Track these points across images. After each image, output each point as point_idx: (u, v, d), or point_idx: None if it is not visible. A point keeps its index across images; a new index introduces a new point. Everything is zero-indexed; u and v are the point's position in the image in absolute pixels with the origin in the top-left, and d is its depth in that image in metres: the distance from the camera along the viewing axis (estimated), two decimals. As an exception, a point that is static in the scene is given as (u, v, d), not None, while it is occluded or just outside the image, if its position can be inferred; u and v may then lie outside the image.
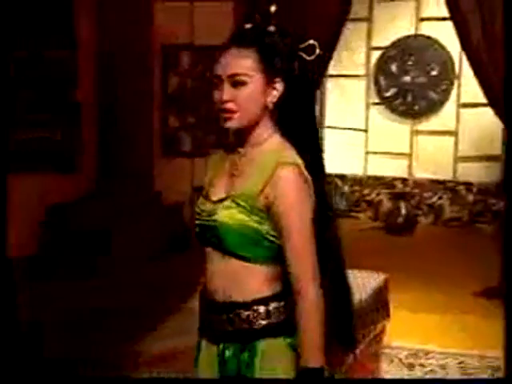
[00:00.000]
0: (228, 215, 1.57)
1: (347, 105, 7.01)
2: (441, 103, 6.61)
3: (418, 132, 6.85)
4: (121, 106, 5.48)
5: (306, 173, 1.56)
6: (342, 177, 7.06)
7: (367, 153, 7.04)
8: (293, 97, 1.60)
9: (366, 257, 4.87)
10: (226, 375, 1.62)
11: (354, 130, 7.02)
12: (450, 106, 6.62)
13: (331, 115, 7.04)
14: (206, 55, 5.07)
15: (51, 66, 5.20)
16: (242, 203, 1.56)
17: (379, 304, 3.36)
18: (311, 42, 1.64)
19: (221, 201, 1.60)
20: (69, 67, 5.30)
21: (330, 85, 6.99)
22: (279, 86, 1.58)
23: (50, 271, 4.67)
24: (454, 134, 6.67)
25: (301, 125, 1.64)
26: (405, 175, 6.90)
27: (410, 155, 6.87)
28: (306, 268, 1.54)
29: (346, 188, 7.04)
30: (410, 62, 6.65)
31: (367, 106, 6.96)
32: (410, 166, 6.89)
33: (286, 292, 1.57)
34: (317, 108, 5.65)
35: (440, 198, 6.71)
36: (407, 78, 6.69)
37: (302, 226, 1.54)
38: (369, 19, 6.66)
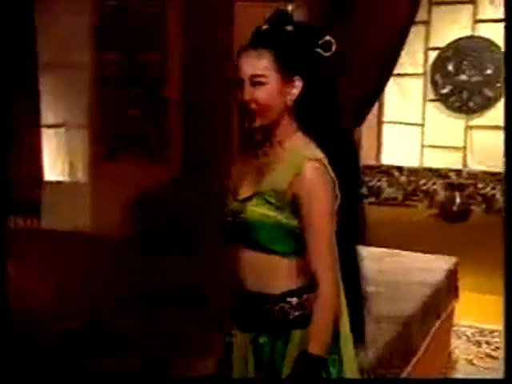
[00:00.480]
0: (258, 212, 1.55)
1: (405, 101, 7.24)
2: (495, 100, 6.80)
3: (472, 127, 7.06)
4: (203, 104, 5.82)
5: (330, 169, 1.56)
6: (400, 168, 7.31)
7: (423, 146, 7.28)
8: (312, 94, 1.58)
9: (427, 242, 5.15)
10: (260, 361, 1.60)
11: (411, 124, 7.26)
12: (503, 103, 6.77)
13: (390, 111, 7.28)
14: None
15: (142, 66, 5.58)
16: (271, 200, 1.55)
17: (450, 286, 3.62)
18: (327, 38, 1.59)
19: (249, 198, 1.59)
20: (158, 67, 5.66)
21: (389, 83, 7.22)
22: (298, 84, 1.57)
23: (149, 249, 5.04)
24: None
25: (321, 121, 1.61)
26: (459, 167, 7.10)
27: (464, 148, 7.09)
28: (324, 265, 1.53)
29: (403, 179, 7.29)
30: (465, 62, 6.85)
31: (424, 103, 7.19)
32: (464, 159, 7.11)
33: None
34: (376, 104, 5.89)
35: (493, 188, 6.91)
36: (463, 77, 6.89)
37: (324, 222, 1.54)
38: (427, 22, 6.87)
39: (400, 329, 2.68)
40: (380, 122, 7.28)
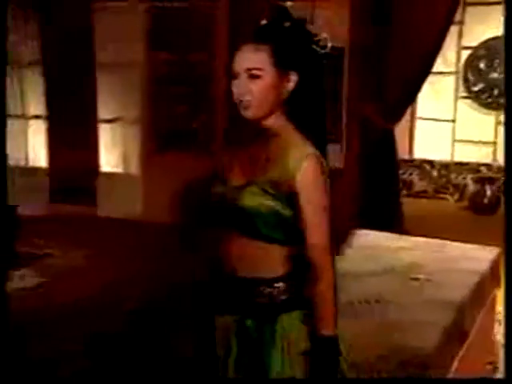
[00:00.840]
0: (254, 200, 1.56)
1: (437, 98, 7.38)
2: (525, 97, 6.91)
3: (502, 123, 7.17)
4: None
5: (325, 162, 1.59)
6: (431, 162, 7.47)
7: (454, 141, 7.43)
8: (306, 89, 1.59)
9: (459, 233, 5.29)
10: (244, 344, 1.62)
11: (443, 120, 7.42)
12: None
13: (422, 108, 7.43)
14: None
15: (191, 66, 5.82)
16: (269, 189, 1.55)
17: (494, 274, 3.70)
18: (324, 35, 1.60)
19: (243, 186, 1.59)
20: (205, 67, 5.90)
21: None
22: (293, 79, 1.57)
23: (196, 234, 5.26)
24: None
25: (313, 116, 1.63)
26: (489, 161, 7.23)
27: (494, 143, 7.23)
28: (322, 253, 1.57)
29: (435, 173, 7.45)
30: (497, 60, 6.99)
31: (456, 99, 7.34)
32: (494, 153, 7.23)
33: (300, 270, 1.62)
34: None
35: (522, 181, 7.02)
36: (494, 75, 7.04)
37: (322, 213, 1.57)
38: (461, 22, 7.00)
39: (454, 314, 2.79)
40: (413, 118, 7.44)
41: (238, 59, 1.57)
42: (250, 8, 5.98)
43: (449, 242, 4.04)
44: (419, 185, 7.42)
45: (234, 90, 1.57)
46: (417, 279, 3.37)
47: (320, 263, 1.57)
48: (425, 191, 7.41)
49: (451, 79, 7.32)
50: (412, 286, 3.28)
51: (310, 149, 1.56)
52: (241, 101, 1.56)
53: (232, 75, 1.58)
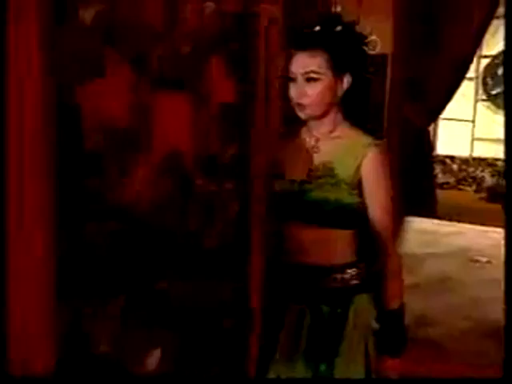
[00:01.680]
0: (324, 192, 1.56)
1: (459, 100, 7.83)
2: (538, 100, 7.40)
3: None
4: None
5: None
6: (452, 158, 7.97)
7: (473, 139, 7.93)
8: (359, 89, 1.60)
9: (481, 218, 5.68)
10: (318, 328, 1.61)
11: (464, 121, 7.91)
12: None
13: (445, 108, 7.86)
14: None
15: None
16: (338, 181, 1.56)
17: None
18: (374, 37, 1.75)
19: (307, 181, 1.59)
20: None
21: (444, 84, 7.84)
22: (347, 80, 1.57)
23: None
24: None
25: (367, 114, 1.65)
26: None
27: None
28: (389, 238, 1.60)
29: (455, 167, 7.95)
30: (514, 67, 7.44)
31: (475, 102, 7.83)
32: (509, 150, 7.70)
33: (367, 254, 1.64)
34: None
35: (535, 175, 7.51)
36: None
37: (388, 199, 1.59)
38: (481, 33, 7.46)
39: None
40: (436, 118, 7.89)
41: (295, 64, 1.57)
42: (302, 15, 6.31)
43: (489, 228, 4.32)
44: (442, 177, 7.91)
45: (292, 92, 1.58)
46: (477, 261, 3.67)
47: (388, 248, 1.60)
48: (447, 183, 7.91)
49: (471, 84, 7.81)
50: (474, 267, 3.54)
51: (372, 139, 1.59)
52: (298, 103, 1.57)
53: (289, 79, 1.59)
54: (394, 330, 1.62)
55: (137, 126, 1.11)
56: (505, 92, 1.65)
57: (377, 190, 1.57)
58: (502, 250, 1.44)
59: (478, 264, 3.65)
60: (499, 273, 3.39)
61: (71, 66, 0.94)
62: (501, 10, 6.31)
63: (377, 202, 1.57)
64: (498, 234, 4.34)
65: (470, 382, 2.35)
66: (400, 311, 1.62)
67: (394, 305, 1.61)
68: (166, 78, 1.22)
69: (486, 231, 4.41)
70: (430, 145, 5.75)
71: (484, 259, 3.71)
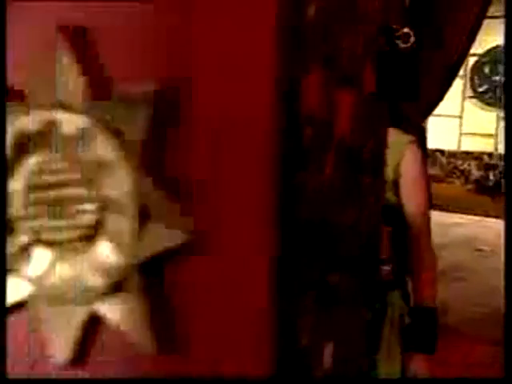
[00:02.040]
0: None
1: (447, 97, 8.03)
2: (523, 96, 7.67)
3: (503, 117, 7.92)
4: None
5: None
6: (441, 151, 8.22)
7: (461, 134, 8.19)
8: (392, 84, 1.49)
9: (471, 209, 5.90)
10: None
11: (452, 116, 8.17)
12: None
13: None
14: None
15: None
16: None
17: None
18: (406, 30, 1.56)
19: None
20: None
21: (434, 81, 8.08)
22: None
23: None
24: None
25: (398, 110, 1.67)
26: (491, 151, 7.99)
27: (496, 135, 8.00)
28: (425, 235, 1.59)
29: (444, 160, 8.21)
30: (500, 65, 7.73)
31: (463, 99, 8.10)
32: (495, 144, 7.99)
33: (400, 252, 1.63)
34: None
35: (519, 168, 7.79)
36: (497, 78, 7.79)
37: (425, 197, 1.59)
38: (469, 33, 7.71)
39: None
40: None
41: None
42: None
43: (487, 219, 4.51)
44: (431, 170, 8.16)
45: None
46: (481, 250, 3.81)
47: (423, 245, 1.58)
48: (436, 176, 8.16)
49: (459, 81, 8.04)
50: (480, 256, 3.68)
51: (410, 137, 1.59)
52: None
53: None
54: (427, 327, 1.59)
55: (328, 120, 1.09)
56: (505, 90, 1.77)
57: (414, 188, 1.57)
58: (502, 240, 1.45)
59: (483, 253, 3.77)
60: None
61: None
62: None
63: (414, 199, 1.57)
64: (493, 223, 4.52)
65: (470, 382, 2.35)
66: (433, 308, 1.60)
67: (428, 301, 1.59)
68: (346, 75, 1.21)
69: (485, 221, 4.57)
70: (426, 141, 5.98)
71: (488, 248, 3.85)
